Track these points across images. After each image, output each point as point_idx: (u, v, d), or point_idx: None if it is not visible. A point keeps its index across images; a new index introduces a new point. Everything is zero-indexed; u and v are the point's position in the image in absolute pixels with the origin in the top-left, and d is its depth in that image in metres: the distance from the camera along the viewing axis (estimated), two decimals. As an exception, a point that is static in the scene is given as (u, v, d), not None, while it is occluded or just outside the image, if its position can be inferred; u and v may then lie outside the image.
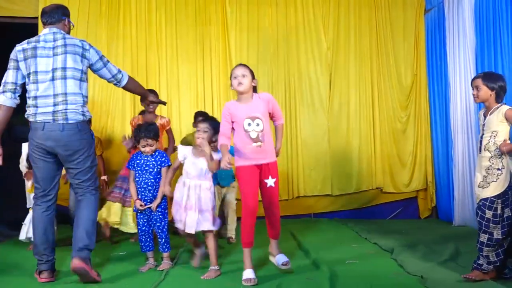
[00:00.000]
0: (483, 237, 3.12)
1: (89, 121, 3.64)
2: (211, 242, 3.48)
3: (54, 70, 3.28)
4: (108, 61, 3.50)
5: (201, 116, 4.70)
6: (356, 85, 6.17)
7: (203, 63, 5.99)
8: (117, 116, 5.80)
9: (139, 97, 5.76)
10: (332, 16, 6.18)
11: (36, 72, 3.28)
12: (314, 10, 6.16)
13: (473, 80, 3.31)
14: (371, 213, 6.09)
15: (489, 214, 3.10)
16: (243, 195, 3.29)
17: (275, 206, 3.37)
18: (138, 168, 3.71)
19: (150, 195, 3.69)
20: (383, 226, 5.35)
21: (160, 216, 3.69)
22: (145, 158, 3.72)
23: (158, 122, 4.63)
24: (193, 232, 3.43)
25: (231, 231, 4.64)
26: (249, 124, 3.23)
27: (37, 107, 3.28)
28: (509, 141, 3.07)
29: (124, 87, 3.64)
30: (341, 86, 6.16)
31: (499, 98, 3.17)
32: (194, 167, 3.49)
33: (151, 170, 3.71)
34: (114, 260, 3.97)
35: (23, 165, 4.61)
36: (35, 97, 3.28)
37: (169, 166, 3.73)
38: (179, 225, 3.48)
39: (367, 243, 4.48)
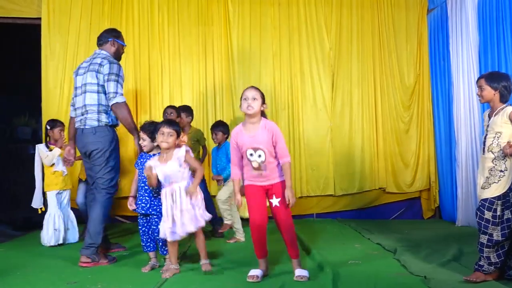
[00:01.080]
0: (483, 238, 3.12)
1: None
2: (198, 237, 3.51)
3: (81, 86, 3.93)
4: (115, 80, 3.84)
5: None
6: (358, 85, 6.17)
7: (205, 63, 5.99)
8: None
9: (139, 99, 5.83)
10: (334, 16, 6.18)
11: (75, 88, 4.01)
12: (316, 10, 6.15)
13: (477, 80, 3.29)
14: (373, 213, 6.08)
15: (488, 215, 3.09)
16: (249, 210, 3.34)
17: (283, 225, 3.35)
18: (141, 167, 3.69)
19: (146, 195, 3.66)
20: (386, 226, 5.34)
21: (156, 220, 3.63)
22: (148, 159, 3.69)
23: None
24: (183, 234, 3.40)
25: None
26: (251, 155, 3.26)
27: (76, 116, 3.97)
28: None
29: (112, 108, 3.86)
30: (344, 86, 6.15)
31: (503, 98, 3.14)
32: (165, 173, 3.43)
33: None
34: (119, 259, 3.97)
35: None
36: (75, 109, 4.00)
37: None
38: (164, 235, 3.43)
39: (370, 243, 4.47)
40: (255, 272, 3.29)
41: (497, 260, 3.09)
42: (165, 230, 3.41)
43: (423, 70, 6.23)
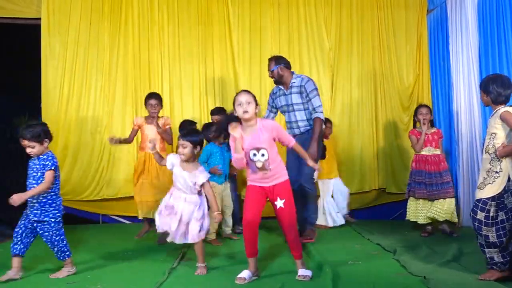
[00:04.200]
0: (480, 239, 3.12)
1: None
2: (197, 244, 3.54)
3: None
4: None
5: (184, 127, 4.83)
6: (358, 85, 6.17)
7: (205, 63, 5.99)
8: (118, 117, 5.81)
9: (139, 99, 5.83)
10: (334, 16, 6.18)
11: None
12: (316, 11, 6.16)
13: (481, 84, 3.35)
14: (373, 214, 6.08)
15: (480, 215, 3.09)
16: (244, 209, 3.36)
17: (287, 227, 3.35)
18: (28, 172, 3.42)
19: (37, 201, 3.37)
20: (386, 227, 5.33)
21: (47, 226, 3.38)
22: (33, 161, 3.41)
23: (160, 122, 4.87)
24: (176, 242, 3.53)
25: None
26: (254, 155, 3.27)
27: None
28: (506, 144, 3.04)
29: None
30: (344, 86, 6.16)
31: (497, 101, 3.16)
32: (181, 179, 3.51)
33: (34, 174, 3.37)
34: (119, 259, 3.98)
35: None
36: None
37: (51, 170, 3.36)
38: (162, 228, 3.53)
39: (370, 243, 4.47)
40: (243, 274, 3.28)
41: (502, 260, 3.07)
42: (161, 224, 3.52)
43: (423, 70, 6.23)
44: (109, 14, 5.87)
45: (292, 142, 3.46)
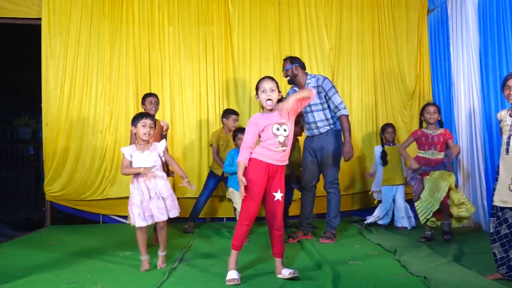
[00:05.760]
0: None
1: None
2: (163, 232, 3.65)
3: None
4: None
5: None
6: (358, 86, 6.17)
7: (205, 63, 5.99)
8: (120, 116, 5.81)
9: (140, 99, 5.80)
10: (334, 16, 6.18)
11: None
12: (316, 11, 6.16)
13: (510, 79, 3.14)
14: (374, 214, 6.06)
15: None
16: (246, 199, 3.26)
17: (279, 220, 3.34)
18: None
19: None
20: (386, 227, 5.33)
21: None
22: None
23: (163, 125, 4.65)
24: (165, 218, 3.57)
25: None
26: (277, 129, 3.27)
27: None
28: None
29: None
30: (344, 86, 6.15)
31: None
32: (147, 159, 3.58)
33: None
34: (119, 259, 3.98)
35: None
36: None
37: None
38: (141, 223, 3.53)
39: (370, 243, 4.47)
40: (233, 275, 3.21)
41: None
42: (135, 216, 3.52)
43: (424, 70, 6.23)
44: (109, 14, 5.87)
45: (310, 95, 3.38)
